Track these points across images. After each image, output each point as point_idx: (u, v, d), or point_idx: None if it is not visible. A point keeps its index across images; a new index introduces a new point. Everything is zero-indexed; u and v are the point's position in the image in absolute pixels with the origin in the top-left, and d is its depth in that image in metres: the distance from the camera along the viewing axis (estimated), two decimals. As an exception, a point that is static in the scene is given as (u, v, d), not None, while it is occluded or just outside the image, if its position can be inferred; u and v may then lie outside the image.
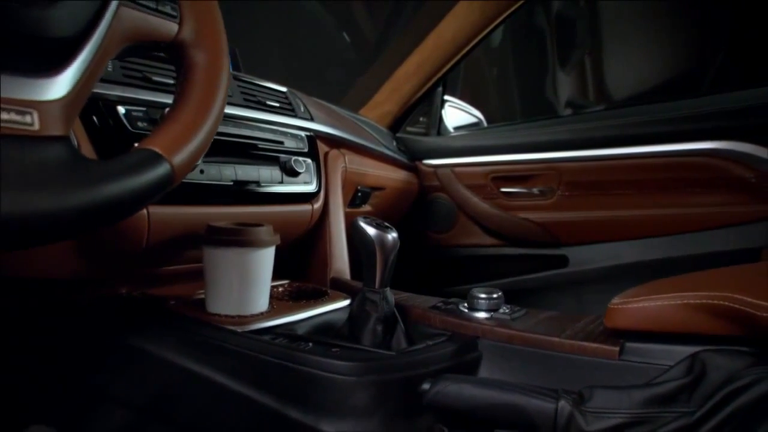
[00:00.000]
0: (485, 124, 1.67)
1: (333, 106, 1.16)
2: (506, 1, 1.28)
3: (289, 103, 0.90)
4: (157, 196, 0.39)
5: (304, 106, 0.94)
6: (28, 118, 0.30)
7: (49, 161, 0.30)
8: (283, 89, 0.92)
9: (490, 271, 1.40)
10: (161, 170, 0.38)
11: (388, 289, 0.66)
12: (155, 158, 0.38)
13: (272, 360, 0.56)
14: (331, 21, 1.90)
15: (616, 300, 0.55)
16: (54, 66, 0.32)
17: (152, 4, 0.41)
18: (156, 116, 0.63)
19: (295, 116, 0.89)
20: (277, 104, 0.86)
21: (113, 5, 0.37)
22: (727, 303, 0.46)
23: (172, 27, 0.43)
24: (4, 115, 0.28)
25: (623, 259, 1.28)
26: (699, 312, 0.48)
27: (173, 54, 0.45)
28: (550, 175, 1.34)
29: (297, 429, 0.54)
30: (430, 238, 1.49)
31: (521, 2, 1.28)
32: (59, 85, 0.32)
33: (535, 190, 1.37)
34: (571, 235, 1.34)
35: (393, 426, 0.53)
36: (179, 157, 0.39)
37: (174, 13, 0.44)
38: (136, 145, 0.40)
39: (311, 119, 0.93)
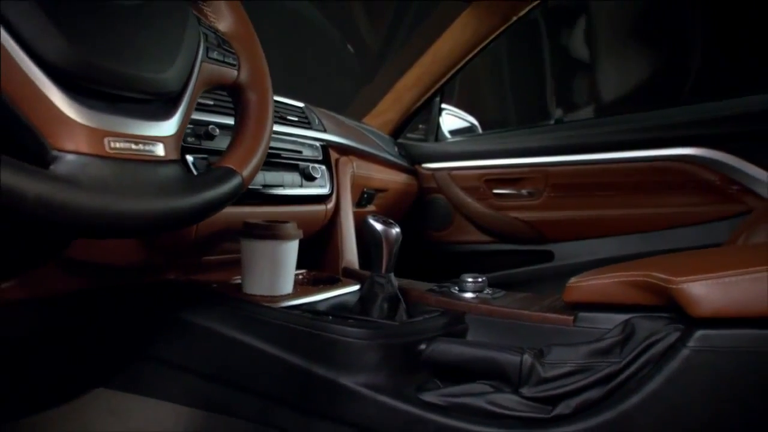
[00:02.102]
0: (479, 128, 1.83)
1: (341, 117, 1.32)
2: (497, 22, 1.43)
3: (306, 117, 1.06)
4: (234, 199, 0.54)
5: (318, 119, 1.09)
6: (157, 149, 0.45)
7: (171, 177, 0.46)
8: (300, 104, 1.07)
9: (483, 265, 1.54)
10: (236, 181, 0.54)
11: (392, 274, 0.82)
12: (232, 173, 0.54)
13: (301, 329, 0.71)
14: (336, 33, 2.06)
15: (572, 280, 0.70)
16: (169, 112, 0.48)
17: (221, 58, 0.57)
18: (200, 132, 0.79)
19: (311, 128, 1.05)
20: (296, 118, 1.02)
21: (198, 63, 0.53)
22: (647, 279, 0.61)
23: (233, 73, 0.59)
24: (146, 147, 0.44)
25: (603, 254, 1.42)
26: (630, 287, 0.64)
27: (233, 92, 0.60)
28: (538, 178, 1.48)
29: (321, 382, 0.69)
30: (428, 235, 1.63)
31: (511, 22, 1.44)
32: (172, 125, 0.47)
33: (524, 192, 1.51)
34: (557, 232, 1.48)
35: (397, 379, 0.68)
36: (247, 171, 0.55)
37: (234, 63, 0.59)
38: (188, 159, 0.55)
39: (324, 131, 1.08)
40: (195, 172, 0.72)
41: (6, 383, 0.86)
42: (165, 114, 0.47)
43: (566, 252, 1.47)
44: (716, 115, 1.37)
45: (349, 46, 2.11)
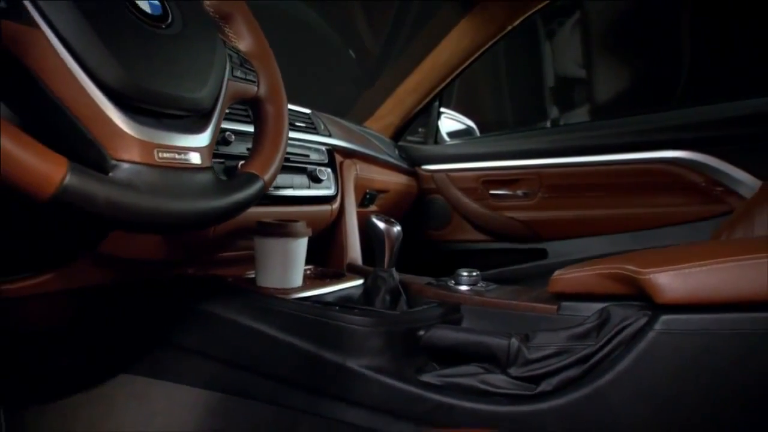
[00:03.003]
0: (477, 130, 1.91)
1: (345, 122, 1.40)
2: (493, 30, 1.52)
3: (312, 123, 1.14)
4: (257, 200, 0.63)
5: (324, 125, 1.18)
6: (195, 158, 0.53)
7: (207, 181, 0.54)
8: (307, 111, 1.16)
9: (480, 263, 1.61)
10: (259, 184, 0.62)
11: (393, 269, 0.90)
12: (255, 177, 0.62)
13: (311, 317, 0.79)
14: (338, 39, 2.15)
15: (556, 273, 0.78)
16: (203, 126, 0.56)
17: (243, 76, 0.65)
18: (218, 139, 0.86)
19: (317, 133, 1.13)
20: (303, 124, 1.10)
21: (225, 82, 0.61)
22: (621, 271, 0.69)
23: (254, 89, 0.67)
24: (186, 156, 0.52)
25: (594, 252, 1.48)
26: (606, 279, 0.72)
27: (253, 106, 0.69)
28: (533, 180, 1.56)
29: (330, 366, 0.77)
30: (427, 234, 1.71)
31: (506, 31, 1.53)
32: (206, 137, 0.56)
33: (519, 192, 1.59)
34: (550, 231, 1.56)
35: (398, 362, 0.76)
36: (268, 175, 0.64)
37: (254, 80, 0.67)
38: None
39: (330, 135, 1.16)
40: None
41: (36, 369, 0.94)
42: (200, 127, 0.55)
43: (559, 250, 1.55)
44: (702, 119, 1.45)
45: (350, 51, 2.20)
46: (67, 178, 0.42)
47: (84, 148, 0.47)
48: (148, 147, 0.49)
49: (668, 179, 1.43)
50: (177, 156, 0.51)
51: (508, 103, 2.58)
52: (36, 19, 0.44)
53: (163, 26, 0.53)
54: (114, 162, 0.47)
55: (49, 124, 0.46)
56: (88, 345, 0.93)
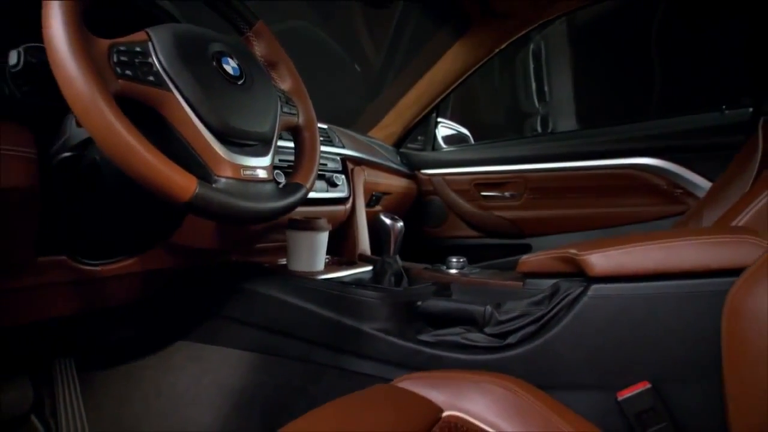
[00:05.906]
0: (471, 137, 2.17)
1: (354, 133, 1.66)
2: (483, 53, 1.78)
3: (329, 136, 1.40)
4: (301, 203, 0.89)
5: (338, 137, 1.44)
6: (263, 173, 0.80)
7: (271, 190, 0.80)
8: (325, 126, 1.42)
9: (472, 256, 1.86)
10: (303, 191, 0.88)
11: (397, 256, 1.17)
12: (300, 186, 0.88)
13: (334, 293, 1.02)
14: (345, 56, 2.42)
15: (523, 258, 1.05)
16: (266, 150, 0.82)
17: (288, 111, 0.92)
18: None
19: (332, 145, 1.39)
20: (321, 138, 1.36)
21: (279, 117, 0.88)
22: (567, 255, 0.96)
23: (295, 119, 0.94)
24: (258, 173, 0.79)
25: None
26: (558, 261, 0.98)
27: (294, 132, 0.96)
28: (519, 183, 1.81)
29: (348, 329, 0.99)
30: (425, 232, 1.96)
31: (494, 54, 1.79)
32: (268, 158, 0.82)
33: (507, 194, 1.84)
34: (534, 228, 1.82)
35: (401, 326, 1.00)
36: (309, 183, 0.90)
37: (295, 113, 0.94)
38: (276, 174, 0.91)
39: (343, 147, 1.42)
40: None
41: (108, 338, 1.19)
42: (264, 152, 0.82)
43: (541, 245, 1.79)
44: (665, 131, 1.71)
45: (356, 66, 2.47)
46: (198, 189, 0.68)
47: (197, 168, 0.73)
48: (237, 167, 0.75)
49: (636, 183, 1.67)
50: (252, 173, 0.77)
51: (498, 111, 2.87)
52: (169, 85, 0.71)
53: (240, 82, 0.79)
54: (216, 177, 0.73)
55: (174, 152, 0.72)
56: (153, 317, 1.19)
